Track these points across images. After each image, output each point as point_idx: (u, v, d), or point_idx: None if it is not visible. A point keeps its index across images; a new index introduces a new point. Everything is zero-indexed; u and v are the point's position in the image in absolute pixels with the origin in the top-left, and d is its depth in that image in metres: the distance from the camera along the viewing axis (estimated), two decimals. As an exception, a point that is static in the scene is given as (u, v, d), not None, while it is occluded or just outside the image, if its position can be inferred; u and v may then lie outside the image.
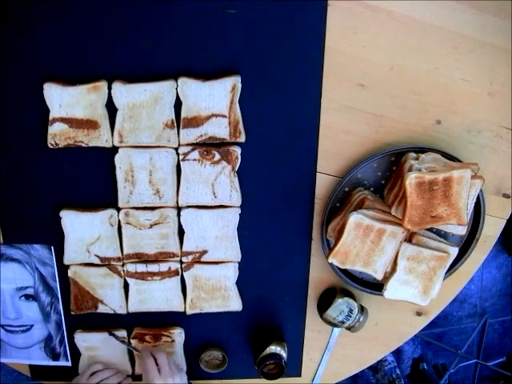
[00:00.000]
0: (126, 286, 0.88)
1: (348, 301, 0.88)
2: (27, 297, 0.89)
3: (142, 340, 0.92)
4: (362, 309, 0.89)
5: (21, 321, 0.91)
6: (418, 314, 0.96)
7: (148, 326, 0.92)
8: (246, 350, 0.96)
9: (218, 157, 0.78)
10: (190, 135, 0.77)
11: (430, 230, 0.81)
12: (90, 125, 0.76)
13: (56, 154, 0.79)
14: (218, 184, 0.80)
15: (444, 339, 2.06)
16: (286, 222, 0.86)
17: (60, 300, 0.89)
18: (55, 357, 0.95)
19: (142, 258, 0.85)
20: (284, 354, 0.92)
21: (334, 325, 0.90)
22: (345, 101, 0.78)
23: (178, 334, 0.92)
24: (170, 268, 0.86)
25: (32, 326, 0.92)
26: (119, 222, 0.82)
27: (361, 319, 0.88)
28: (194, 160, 0.79)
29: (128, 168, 0.79)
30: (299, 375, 1.01)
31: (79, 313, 0.89)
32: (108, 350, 0.93)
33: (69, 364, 0.95)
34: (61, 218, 0.81)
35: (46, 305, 0.90)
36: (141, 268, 0.86)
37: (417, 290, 0.80)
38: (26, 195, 0.82)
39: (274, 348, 0.91)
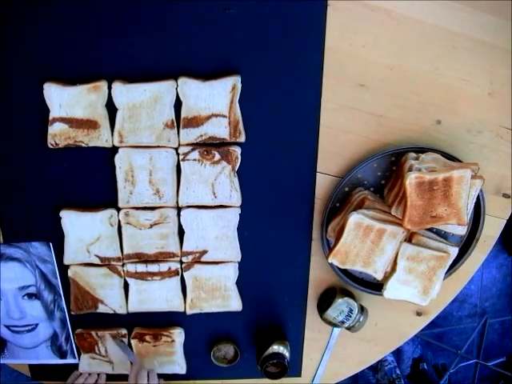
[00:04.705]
0: (126, 286, 0.88)
1: (348, 301, 0.88)
2: (30, 296, 0.89)
3: (142, 340, 0.92)
4: (362, 309, 0.89)
5: (25, 320, 0.91)
6: (418, 314, 0.96)
7: (148, 325, 0.92)
8: (246, 349, 0.96)
9: (218, 157, 0.78)
10: (190, 135, 0.77)
11: (430, 230, 0.81)
12: (90, 125, 0.76)
13: (56, 154, 0.79)
14: (218, 184, 0.80)
15: (444, 339, 2.06)
16: (285, 222, 0.86)
17: (63, 297, 0.90)
18: (62, 355, 0.95)
19: (142, 258, 0.85)
20: (287, 354, 0.92)
21: (334, 325, 0.90)
22: (345, 101, 0.78)
23: (178, 334, 0.92)
24: (170, 268, 0.86)
25: (37, 325, 0.92)
26: (119, 222, 0.82)
27: (361, 319, 0.88)
28: (194, 160, 0.79)
29: (128, 168, 0.79)
30: (299, 375, 1.01)
31: (79, 313, 0.89)
32: (108, 349, 0.93)
33: (76, 361, 0.95)
34: (61, 218, 0.81)
35: (49, 302, 0.90)
36: (141, 268, 0.86)
37: (417, 289, 0.80)
38: (26, 195, 0.82)
39: (276, 347, 0.91)
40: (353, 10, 0.73)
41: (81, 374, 0.94)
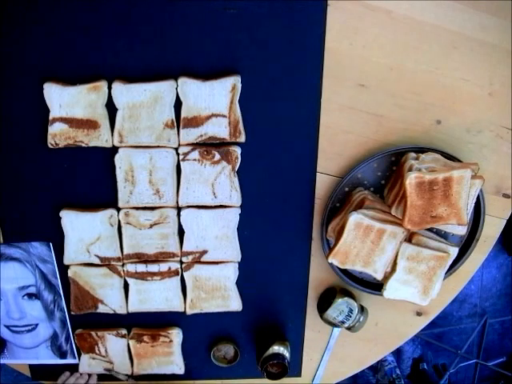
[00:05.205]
0: (126, 286, 0.88)
1: (348, 301, 0.88)
2: (30, 296, 0.89)
3: (140, 340, 0.92)
4: (362, 309, 0.89)
5: (25, 320, 0.91)
6: (418, 314, 0.96)
7: (148, 326, 0.92)
8: (246, 349, 0.96)
9: (217, 157, 0.78)
10: (190, 135, 0.77)
11: (430, 229, 0.81)
12: (90, 125, 0.76)
13: (56, 154, 0.79)
14: (217, 184, 0.80)
15: (444, 339, 2.06)
16: (285, 222, 0.86)
17: (63, 297, 0.90)
18: (62, 355, 0.95)
19: (142, 258, 0.85)
20: (287, 354, 0.92)
21: (333, 325, 0.90)
22: (345, 101, 0.78)
23: (176, 334, 0.92)
24: (169, 268, 0.86)
25: (37, 325, 0.92)
26: (119, 222, 0.82)
27: (361, 319, 0.88)
28: (194, 160, 0.79)
29: (128, 168, 0.79)
30: (299, 375, 1.01)
31: (79, 313, 0.89)
32: (108, 349, 0.93)
33: (76, 361, 0.95)
34: (61, 218, 0.81)
35: (49, 302, 0.90)
36: (141, 268, 0.86)
37: (417, 289, 0.80)
38: (26, 195, 0.82)
39: (277, 348, 0.91)
40: (353, 10, 0.73)
41: (71, 374, 0.93)
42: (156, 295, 0.88)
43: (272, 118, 0.79)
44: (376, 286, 0.89)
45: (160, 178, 0.80)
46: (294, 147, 0.81)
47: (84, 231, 0.83)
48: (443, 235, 0.84)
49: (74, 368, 0.95)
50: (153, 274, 0.86)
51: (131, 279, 0.87)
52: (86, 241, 0.84)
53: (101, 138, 0.77)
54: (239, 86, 0.75)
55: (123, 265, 0.86)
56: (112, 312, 0.90)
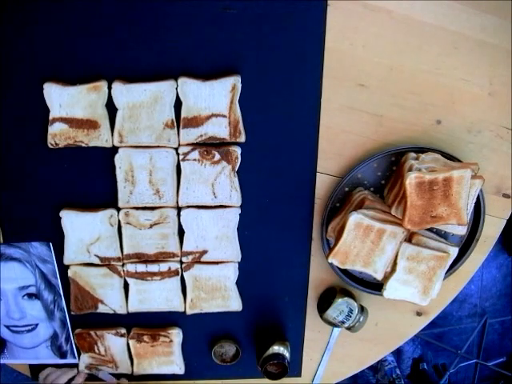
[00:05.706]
0: (126, 286, 0.88)
1: (348, 301, 0.88)
2: (30, 295, 0.89)
3: (140, 340, 0.92)
4: (362, 309, 0.89)
5: (25, 320, 0.91)
6: (418, 314, 0.96)
7: (148, 325, 0.92)
8: (246, 349, 0.96)
9: (217, 157, 0.78)
10: (190, 135, 0.77)
11: (430, 229, 0.81)
12: (90, 125, 0.76)
13: (56, 154, 0.79)
14: (217, 184, 0.80)
15: (444, 339, 2.06)
16: (286, 222, 0.86)
17: (63, 297, 0.90)
18: (62, 355, 0.95)
19: (142, 258, 0.85)
20: (287, 354, 0.92)
21: (333, 325, 0.90)
22: (345, 101, 0.78)
23: (176, 334, 0.92)
24: (169, 268, 0.86)
25: (37, 325, 0.92)
26: (119, 221, 0.82)
27: (361, 319, 0.88)
28: (194, 160, 0.79)
29: (128, 168, 0.79)
30: (299, 375, 1.01)
31: (79, 313, 0.89)
32: (108, 348, 0.93)
33: (76, 361, 0.95)
34: (61, 218, 0.81)
35: (50, 302, 0.90)
36: (141, 268, 0.86)
37: (417, 289, 0.80)
38: (26, 195, 0.82)
39: (277, 348, 0.91)
40: (353, 9, 0.73)
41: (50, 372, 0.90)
42: (156, 295, 0.88)
43: (272, 118, 0.79)
44: (376, 286, 0.89)
45: (160, 178, 0.80)
46: (294, 147, 0.81)
47: (84, 231, 0.83)
48: (443, 235, 0.84)
49: (74, 368, 0.95)
50: (153, 274, 0.86)
51: (131, 279, 0.87)
52: (85, 241, 0.84)
53: (101, 138, 0.77)
54: (239, 86, 0.75)
55: (123, 265, 0.86)
56: (112, 312, 0.90)
